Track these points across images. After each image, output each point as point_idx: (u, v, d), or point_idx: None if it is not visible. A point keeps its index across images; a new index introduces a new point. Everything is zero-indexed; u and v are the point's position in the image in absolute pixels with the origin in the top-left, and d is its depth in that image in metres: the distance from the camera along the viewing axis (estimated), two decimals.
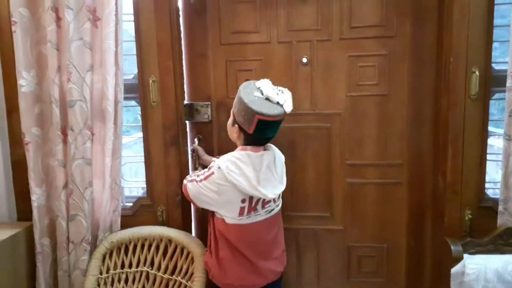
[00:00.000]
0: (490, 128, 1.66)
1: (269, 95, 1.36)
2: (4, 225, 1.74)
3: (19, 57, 1.58)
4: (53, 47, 1.55)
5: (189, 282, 1.64)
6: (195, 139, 1.79)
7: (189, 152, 1.80)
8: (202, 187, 1.41)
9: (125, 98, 1.69)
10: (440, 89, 1.66)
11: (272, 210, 1.49)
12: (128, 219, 1.78)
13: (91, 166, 1.64)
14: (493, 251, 1.52)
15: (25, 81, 1.59)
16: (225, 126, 1.53)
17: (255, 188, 1.36)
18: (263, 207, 1.44)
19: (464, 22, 1.53)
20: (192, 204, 1.61)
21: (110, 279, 1.69)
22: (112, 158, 1.64)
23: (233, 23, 1.77)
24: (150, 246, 1.71)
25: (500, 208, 1.53)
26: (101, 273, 1.67)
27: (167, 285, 1.69)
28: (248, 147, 1.41)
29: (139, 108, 1.78)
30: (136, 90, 1.76)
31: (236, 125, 1.42)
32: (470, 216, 1.61)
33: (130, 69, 1.81)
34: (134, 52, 1.72)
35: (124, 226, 1.74)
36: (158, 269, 1.70)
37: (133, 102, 1.85)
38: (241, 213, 1.41)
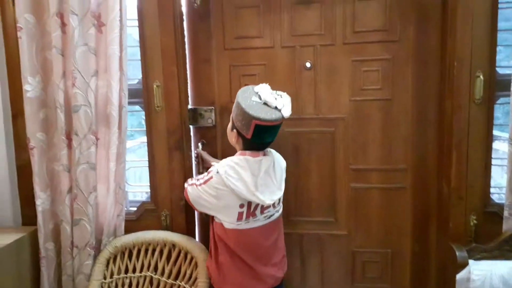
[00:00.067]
0: (495, 132, 1.65)
1: (267, 99, 1.36)
2: (9, 229, 1.75)
3: (25, 63, 1.59)
4: (58, 52, 1.56)
5: (192, 287, 1.63)
6: (199, 144, 1.79)
7: (193, 157, 1.80)
8: (201, 191, 1.41)
9: (130, 103, 1.70)
10: (444, 93, 1.65)
11: (272, 215, 1.48)
12: (132, 224, 1.78)
13: (96, 170, 1.65)
14: (498, 256, 1.51)
15: (30, 87, 1.61)
16: None
17: (252, 193, 1.35)
18: (262, 212, 1.44)
19: (468, 25, 1.52)
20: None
21: (114, 284, 1.69)
22: (117, 163, 1.65)
23: (236, 28, 1.77)
24: (154, 251, 1.71)
25: (506, 213, 1.51)
26: (105, 278, 1.67)
27: None
28: (247, 152, 1.41)
29: (143, 113, 1.78)
30: (140, 95, 1.77)
31: (234, 130, 1.42)
32: (475, 221, 1.60)
33: (135, 74, 1.82)
34: (139, 57, 1.73)
35: (128, 230, 1.74)
36: (162, 274, 1.70)
37: (137, 107, 1.86)
38: (239, 218, 1.40)
